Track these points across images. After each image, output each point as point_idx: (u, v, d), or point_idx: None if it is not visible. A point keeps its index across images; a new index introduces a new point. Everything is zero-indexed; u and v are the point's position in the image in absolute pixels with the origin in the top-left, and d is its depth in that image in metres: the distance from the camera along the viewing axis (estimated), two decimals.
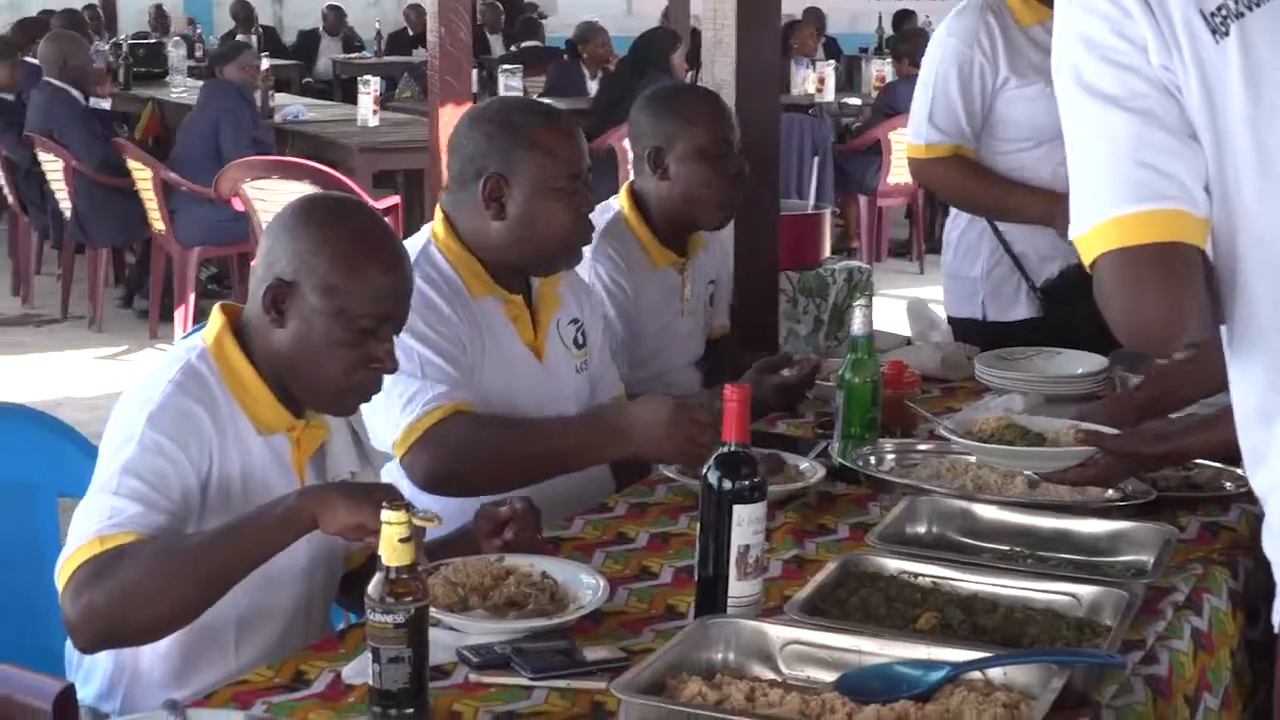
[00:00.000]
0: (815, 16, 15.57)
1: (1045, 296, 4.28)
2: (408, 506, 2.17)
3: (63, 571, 2.48)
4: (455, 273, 3.25)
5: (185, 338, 2.85)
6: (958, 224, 4.41)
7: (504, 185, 3.22)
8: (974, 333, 4.34)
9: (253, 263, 2.76)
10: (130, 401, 2.63)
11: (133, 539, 2.46)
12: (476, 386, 3.20)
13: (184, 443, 2.57)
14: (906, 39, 11.31)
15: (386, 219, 8.78)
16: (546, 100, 11.26)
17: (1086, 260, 2.13)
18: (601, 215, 3.75)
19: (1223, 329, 2.26)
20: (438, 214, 3.34)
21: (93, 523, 2.49)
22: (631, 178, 3.97)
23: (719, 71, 4.42)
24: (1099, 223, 2.10)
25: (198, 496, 2.59)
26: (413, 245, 3.25)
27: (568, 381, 3.41)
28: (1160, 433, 3.03)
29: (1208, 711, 2.64)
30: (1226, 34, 2.11)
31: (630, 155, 4.08)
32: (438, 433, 3.09)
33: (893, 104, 10.76)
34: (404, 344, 3.06)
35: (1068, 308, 4.12)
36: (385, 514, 2.15)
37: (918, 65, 10.94)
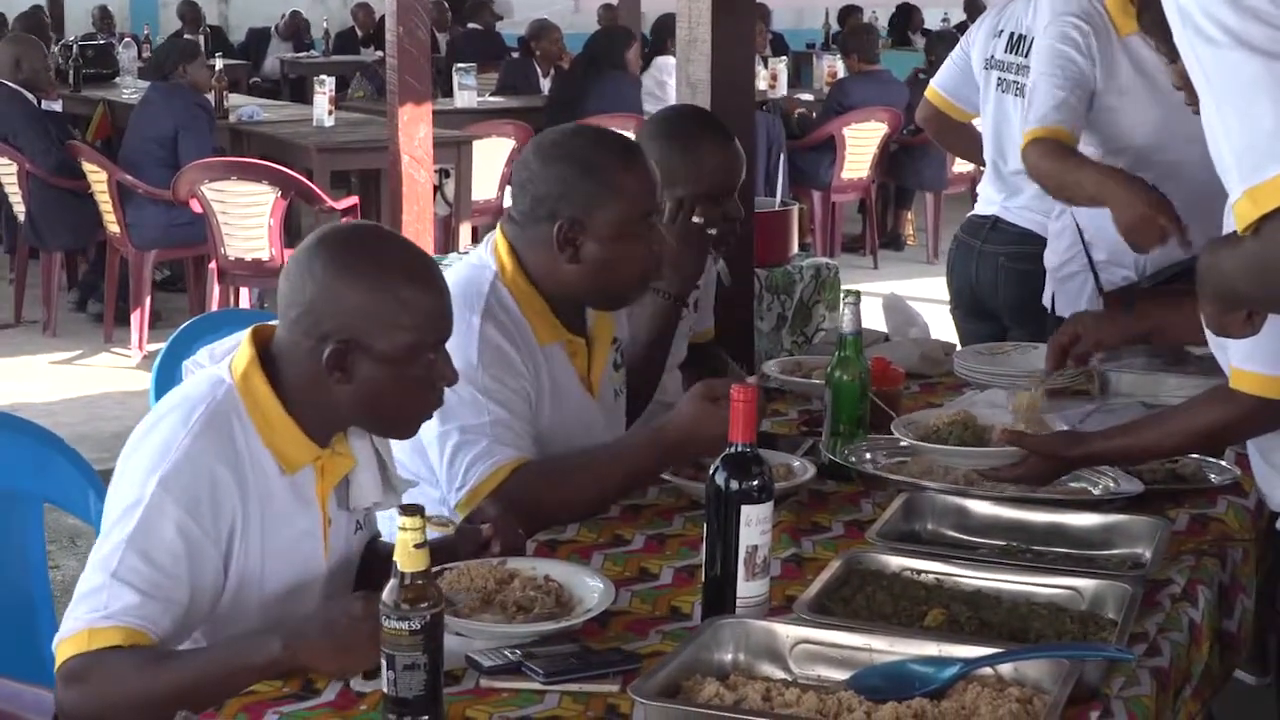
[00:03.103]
0: (761, 13, 15.59)
1: (1108, 302, 4.20)
2: (422, 512, 2.16)
3: (57, 651, 2.46)
4: (524, 316, 3.19)
5: (207, 357, 2.77)
6: (1056, 215, 4.35)
7: (579, 229, 3.15)
8: (1042, 321, 4.34)
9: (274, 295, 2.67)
10: (143, 449, 2.55)
11: (120, 639, 2.42)
12: (540, 432, 3.18)
13: (198, 511, 2.50)
14: (854, 35, 11.34)
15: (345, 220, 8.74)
16: (501, 99, 11.33)
17: (1267, 208, 2.08)
18: None
19: None
20: (501, 243, 3.24)
21: (87, 607, 2.45)
22: None
23: (694, 71, 4.41)
24: None
25: (218, 562, 2.54)
26: (478, 274, 3.21)
27: (613, 409, 3.40)
28: (1081, 437, 3.06)
29: (1183, 700, 2.66)
30: None
31: None
32: (502, 493, 3.04)
33: (843, 100, 10.80)
34: (475, 400, 3.06)
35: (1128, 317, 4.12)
36: (400, 520, 2.15)
37: (867, 61, 11.11)
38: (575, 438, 3.22)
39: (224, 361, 2.68)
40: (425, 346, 2.60)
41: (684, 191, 3.67)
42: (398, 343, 2.57)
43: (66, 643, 2.45)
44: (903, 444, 3.22)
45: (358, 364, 2.57)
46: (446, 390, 2.69)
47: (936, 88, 5.06)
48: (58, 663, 2.46)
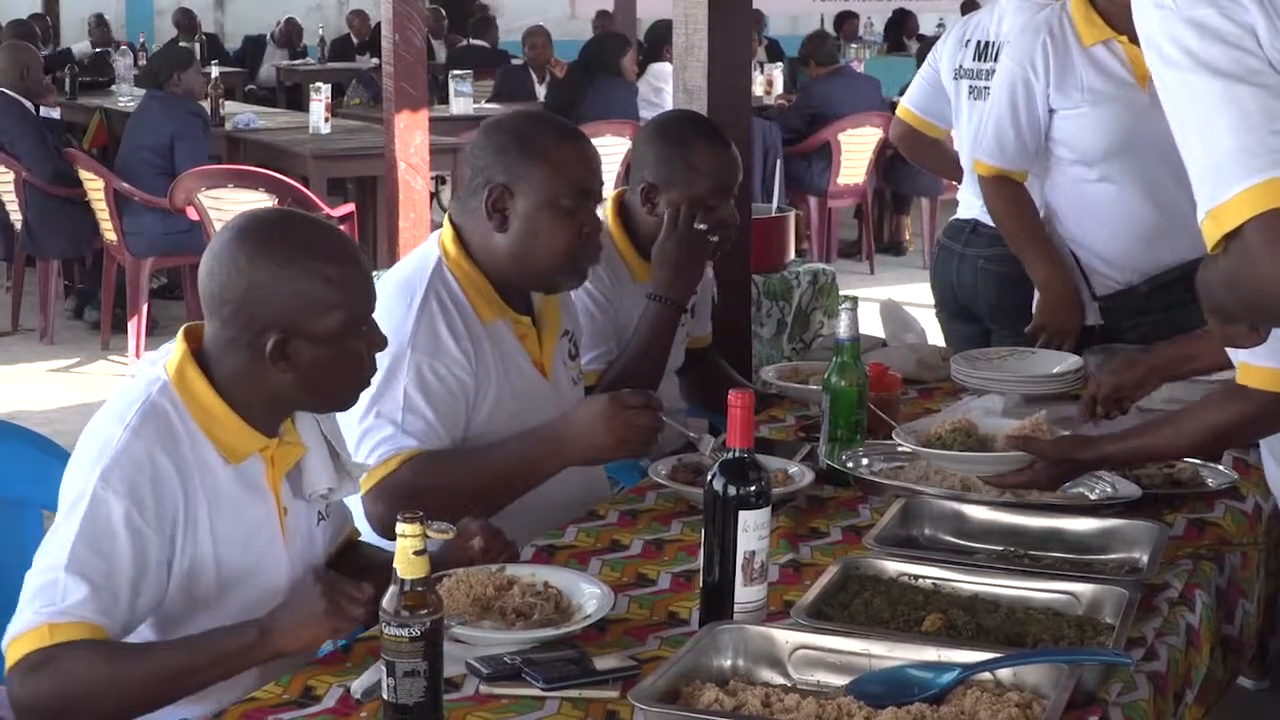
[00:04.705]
0: (757, 19, 15.60)
1: (1105, 306, 4.25)
2: (422, 519, 2.17)
3: (10, 649, 2.44)
4: (465, 296, 3.21)
5: (148, 363, 2.78)
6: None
7: (508, 196, 3.20)
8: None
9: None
10: (83, 451, 2.56)
11: (83, 634, 2.42)
12: (489, 413, 3.19)
13: (141, 502, 2.49)
14: (808, 43, 11.43)
15: (342, 227, 8.78)
16: (497, 105, 11.34)
17: (1227, 228, 2.12)
18: None
19: None
20: (447, 230, 3.29)
21: (42, 601, 2.44)
22: (619, 188, 3.92)
23: (691, 77, 4.41)
24: (1244, 188, 2.10)
25: (162, 553, 2.53)
26: (423, 260, 3.25)
27: (569, 396, 3.39)
28: (1092, 440, 3.05)
29: (1186, 706, 2.66)
30: None
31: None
32: (391, 481, 3.07)
33: (809, 103, 10.83)
34: (396, 386, 3.09)
35: (1126, 321, 4.18)
36: (400, 526, 2.15)
37: (823, 63, 11.17)
38: (528, 414, 3.22)
39: (160, 363, 2.68)
40: (359, 320, 2.64)
41: (681, 195, 3.69)
42: (334, 321, 2.59)
43: (25, 637, 2.43)
44: (907, 451, 3.22)
45: (300, 351, 2.59)
46: (375, 375, 2.74)
47: (908, 106, 5.15)
48: (11, 658, 2.43)
